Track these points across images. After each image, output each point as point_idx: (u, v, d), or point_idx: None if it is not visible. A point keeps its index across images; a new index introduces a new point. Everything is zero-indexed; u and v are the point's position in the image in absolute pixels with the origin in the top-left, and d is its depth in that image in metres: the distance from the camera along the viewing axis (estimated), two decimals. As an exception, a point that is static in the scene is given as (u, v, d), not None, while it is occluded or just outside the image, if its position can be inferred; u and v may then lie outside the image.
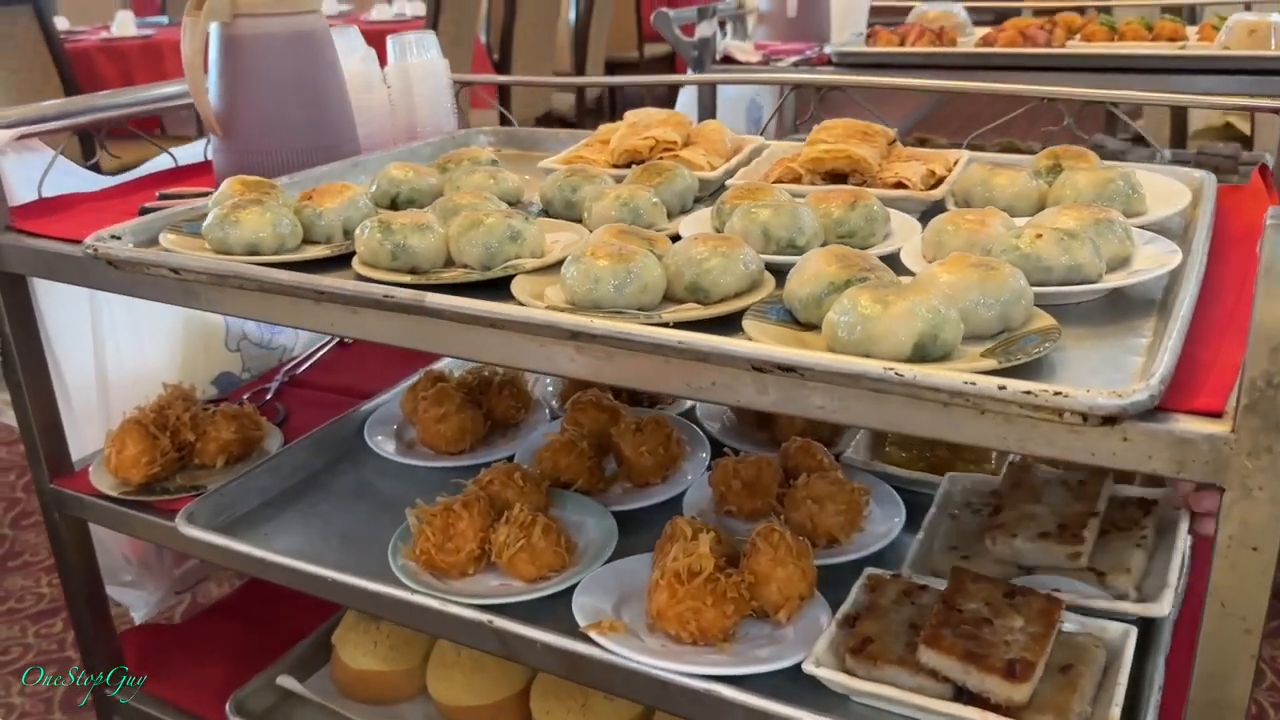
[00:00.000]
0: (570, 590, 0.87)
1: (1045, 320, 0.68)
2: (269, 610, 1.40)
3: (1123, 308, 0.74)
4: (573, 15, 5.24)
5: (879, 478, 1.03)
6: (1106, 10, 2.29)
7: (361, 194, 0.96)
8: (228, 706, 1.17)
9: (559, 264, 0.80)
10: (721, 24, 2.22)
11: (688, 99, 2.25)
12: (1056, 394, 0.56)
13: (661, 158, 1.07)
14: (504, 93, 4.24)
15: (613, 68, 7.53)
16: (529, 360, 0.75)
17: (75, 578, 1.24)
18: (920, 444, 1.09)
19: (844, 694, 0.76)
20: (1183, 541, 0.85)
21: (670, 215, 0.98)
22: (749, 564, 0.84)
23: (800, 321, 0.72)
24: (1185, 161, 2.10)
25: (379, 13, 4.64)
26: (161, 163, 1.28)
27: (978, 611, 0.75)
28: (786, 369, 0.63)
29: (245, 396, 1.35)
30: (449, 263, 0.86)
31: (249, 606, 1.42)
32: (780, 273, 0.78)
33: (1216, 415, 0.58)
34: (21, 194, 1.12)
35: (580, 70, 4.91)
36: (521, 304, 0.76)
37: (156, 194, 1.13)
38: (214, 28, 1.11)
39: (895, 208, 0.93)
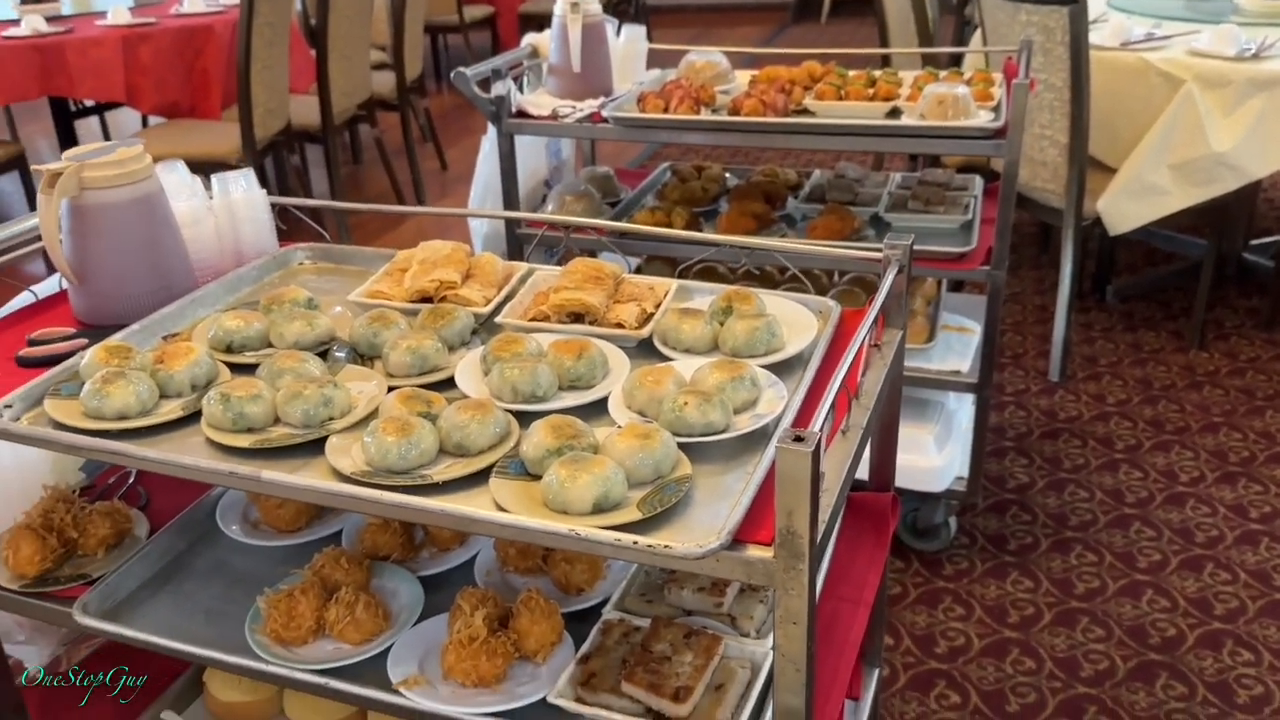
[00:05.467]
0: (388, 651, 1.20)
1: (684, 469, 1.03)
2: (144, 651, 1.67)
3: (743, 442, 1.09)
4: (389, -14, 5.31)
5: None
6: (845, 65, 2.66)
7: (203, 354, 1.23)
8: (121, 743, 1.46)
9: (364, 420, 1.11)
10: (517, 79, 2.50)
11: (491, 147, 2.53)
12: (666, 546, 0.91)
13: (445, 296, 1.37)
14: (322, 81, 4.37)
15: (433, 32, 7.61)
16: (347, 508, 1.06)
17: (-23, 647, 1.49)
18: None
19: (577, 715, 1.11)
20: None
21: (452, 349, 1.30)
22: (515, 623, 1.18)
23: (531, 473, 1.05)
24: (908, 187, 2.53)
25: (190, 5, 4.64)
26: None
27: (664, 651, 1.12)
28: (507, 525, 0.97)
29: (111, 480, 1.59)
30: (278, 419, 1.15)
31: (125, 649, 1.68)
32: (527, 416, 1.11)
33: (769, 544, 0.94)
34: (-95, 345, 1.34)
35: (399, 40, 5.02)
36: (333, 466, 1.06)
37: (26, 338, 1.36)
38: (64, 201, 1.35)
39: (615, 343, 1.27)
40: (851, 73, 2.49)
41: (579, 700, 1.11)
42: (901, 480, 2.29)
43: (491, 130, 2.47)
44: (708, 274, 2.48)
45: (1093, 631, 2.20)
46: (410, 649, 1.20)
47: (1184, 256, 3.81)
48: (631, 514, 0.97)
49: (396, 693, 1.14)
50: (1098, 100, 2.92)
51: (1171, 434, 2.88)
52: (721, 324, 1.27)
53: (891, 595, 2.31)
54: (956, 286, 3.12)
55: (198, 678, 1.54)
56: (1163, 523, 2.52)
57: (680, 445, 1.05)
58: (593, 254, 2.70)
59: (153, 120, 5.07)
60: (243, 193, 1.56)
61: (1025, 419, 2.98)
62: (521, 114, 2.39)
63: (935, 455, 2.33)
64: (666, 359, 1.24)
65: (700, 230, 2.42)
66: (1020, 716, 1.99)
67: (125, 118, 5.79)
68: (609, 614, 1.22)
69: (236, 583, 1.37)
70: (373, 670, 1.18)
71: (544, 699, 1.12)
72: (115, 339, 1.28)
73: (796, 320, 1.29)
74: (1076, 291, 3.12)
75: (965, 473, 2.37)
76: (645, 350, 1.28)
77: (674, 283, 1.39)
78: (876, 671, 1.55)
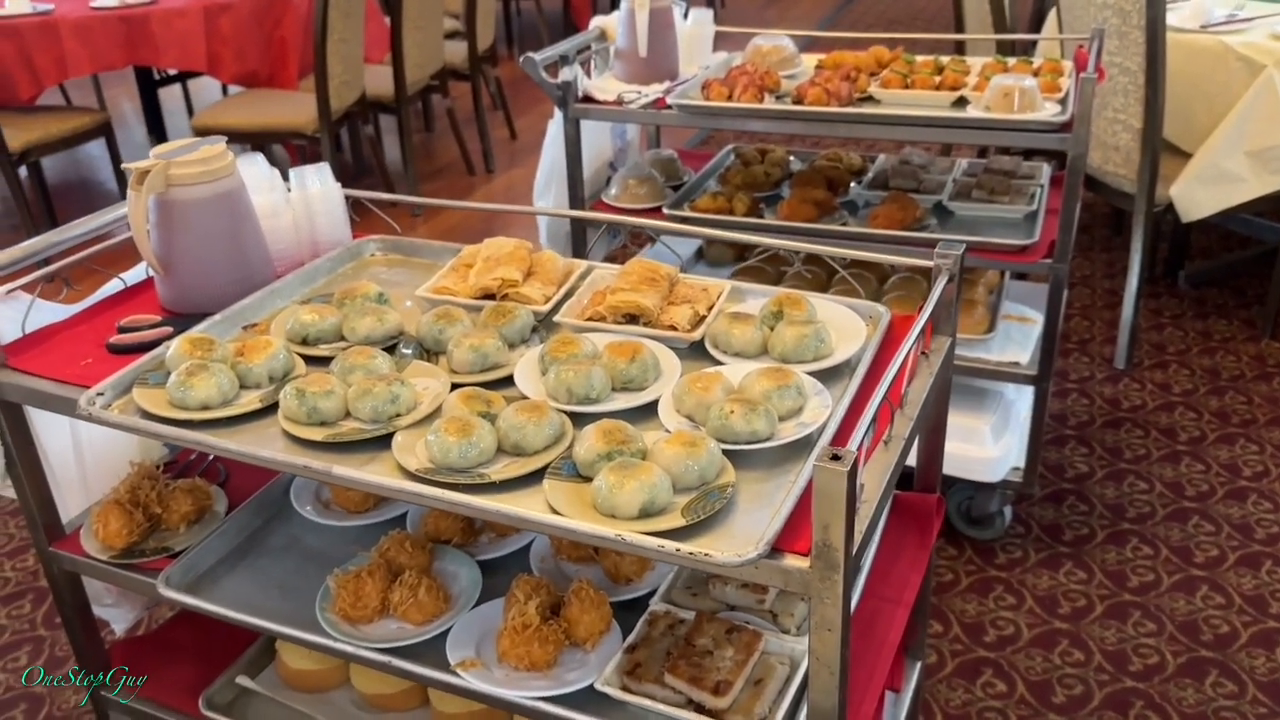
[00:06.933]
0: (447, 632, 1.27)
1: (728, 476, 1.07)
2: (223, 617, 1.77)
3: (787, 449, 1.13)
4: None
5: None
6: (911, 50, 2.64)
7: (280, 347, 1.30)
8: (200, 703, 1.56)
9: (428, 417, 1.18)
10: (584, 64, 2.54)
11: (557, 130, 2.58)
12: (706, 554, 0.95)
13: (507, 294, 1.43)
14: (396, 53, 4.44)
15: (506, -3, 7.62)
16: (411, 503, 1.13)
17: (69, 608, 1.60)
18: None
19: (622, 703, 1.17)
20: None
21: (512, 346, 1.35)
22: (566, 611, 1.25)
23: (582, 475, 1.10)
24: (973, 174, 2.52)
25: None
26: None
27: (706, 646, 1.17)
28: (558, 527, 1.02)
29: (192, 456, 1.69)
30: (349, 413, 1.22)
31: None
32: (581, 416, 1.17)
33: (806, 554, 0.98)
34: (7, 333, 1.43)
35: (471, 9, 5.06)
36: (399, 462, 1.12)
37: (116, 325, 1.45)
38: (152, 197, 1.43)
39: (668, 345, 1.32)
40: (919, 59, 2.48)
41: (624, 689, 1.17)
42: (957, 470, 2.31)
43: (558, 112, 2.51)
44: (769, 258, 2.51)
45: (1144, 626, 2.20)
46: (468, 632, 1.27)
47: (1261, 242, 3.72)
48: (675, 520, 1.02)
49: (454, 674, 1.21)
50: (1174, 84, 2.86)
51: (1237, 426, 2.84)
52: (771, 329, 1.31)
53: (942, 582, 2.34)
54: (1021, 274, 3.09)
55: (270, 645, 1.63)
56: (1222, 517, 2.51)
57: (725, 451, 1.10)
58: (653, 239, 2.74)
59: (232, 90, 5.20)
60: (319, 186, 1.63)
61: (1088, 407, 2.96)
62: (588, 99, 2.43)
63: (991, 446, 2.34)
64: (717, 362, 1.29)
65: (761, 216, 2.44)
66: (1066, 708, 2.01)
67: (206, 86, 5.94)
68: (655, 606, 1.28)
69: (309, 560, 1.45)
70: (432, 651, 1.26)
71: (591, 686, 1.18)
72: (198, 330, 1.36)
73: (846, 325, 1.32)
74: (1147, 277, 3.07)
75: (1022, 463, 2.37)
76: (697, 352, 1.32)
77: (727, 285, 1.43)
78: (919, 663, 1.59)
